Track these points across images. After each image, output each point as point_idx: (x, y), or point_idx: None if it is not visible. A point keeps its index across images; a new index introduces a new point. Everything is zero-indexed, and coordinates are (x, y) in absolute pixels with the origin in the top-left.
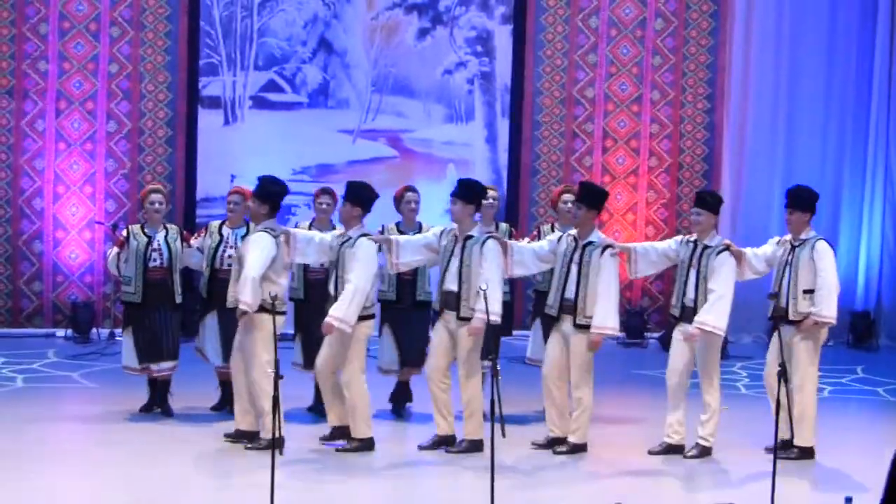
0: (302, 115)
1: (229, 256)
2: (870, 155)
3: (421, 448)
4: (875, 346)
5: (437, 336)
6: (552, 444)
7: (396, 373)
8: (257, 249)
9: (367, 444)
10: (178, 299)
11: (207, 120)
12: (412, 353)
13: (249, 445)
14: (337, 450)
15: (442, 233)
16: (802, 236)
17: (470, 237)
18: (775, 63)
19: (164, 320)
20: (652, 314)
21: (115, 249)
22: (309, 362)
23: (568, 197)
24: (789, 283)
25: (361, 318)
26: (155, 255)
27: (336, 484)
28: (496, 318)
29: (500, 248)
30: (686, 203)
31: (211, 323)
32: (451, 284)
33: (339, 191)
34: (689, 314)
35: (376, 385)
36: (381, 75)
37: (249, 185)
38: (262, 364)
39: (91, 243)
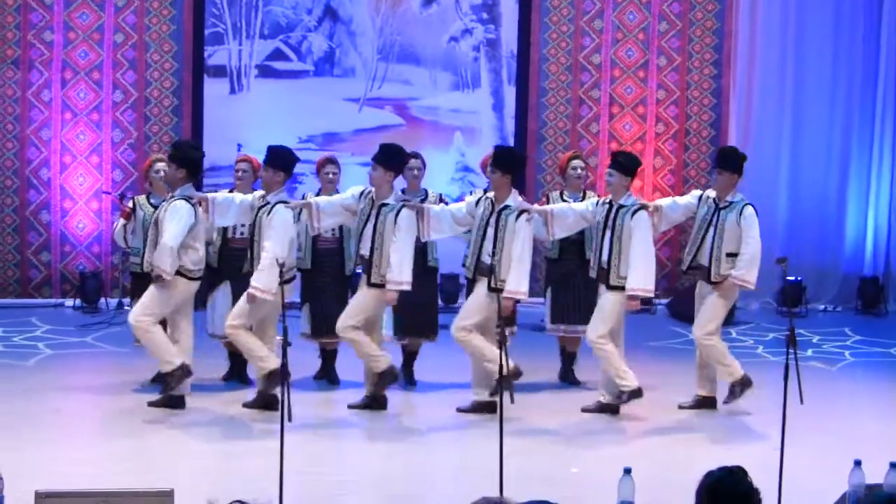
0: (308, 84)
1: (242, 226)
2: (878, 119)
3: (351, 406)
4: (884, 312)
5: (355, 297)
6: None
7: (395, 341)
8: (175, 219)
9: (271, 402)
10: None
11: (213, 89)
12: (417, 321)
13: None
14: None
15: (361, 194)
16: (729, 198)
17: (385, 205)
18: (782, 28)
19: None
20: (660, 280)
21: (122, 221)
22: (316, 331)
23: (577, 163)
24: (712, 244)
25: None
26: None
27: (346, 448)
28: (522, 296)
29: (413, 216)
30: (693, 169)
31: (224, 291)
32: (364, 249)
33: (344, 160)
34: (602, 276)
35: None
36: (387, 43)
37: (256, 154)
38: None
39: (98, 213)
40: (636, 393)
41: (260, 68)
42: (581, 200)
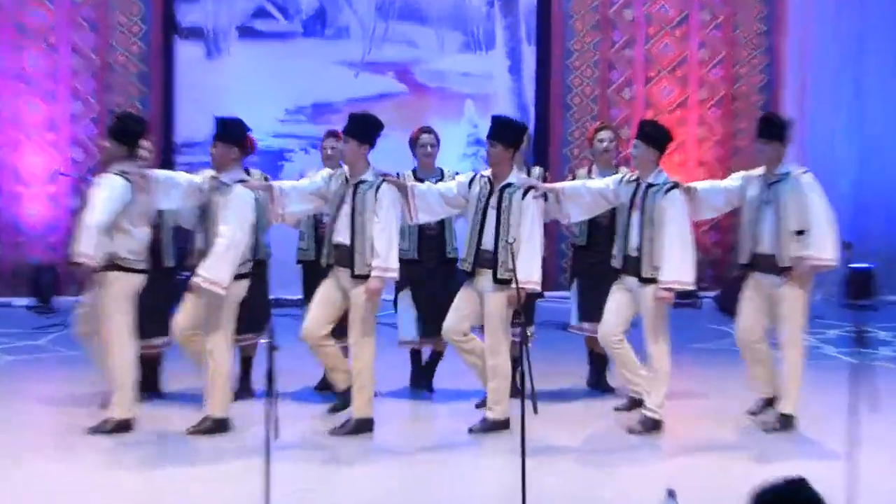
0: (296, 47)
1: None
2: None
3: (333, 433)
4: None
5: (326, 292)
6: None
7: (417, 344)
8: (104, 194)
9: (222, 426)
10: (171, 263)
11: (187, 54)
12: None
13: (92, 427)
14: (189, 431)
15: (332, 176)
16: (779, 170)
17: (362, 182)
18: None
19: (150, 288)
20: (706, 269)
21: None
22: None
23: (605, 135)
24: (774, 225)
25: (235, 277)
26: None
27: (340, 471)
28: (535, 285)
29: (396, 192)
30: (742, 139)
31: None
32: (342, 236)
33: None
34: (632, 265)
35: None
36: None
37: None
38: (117, 328)
39: (54, 198)
40: (656, 425)
41: (241, 29)
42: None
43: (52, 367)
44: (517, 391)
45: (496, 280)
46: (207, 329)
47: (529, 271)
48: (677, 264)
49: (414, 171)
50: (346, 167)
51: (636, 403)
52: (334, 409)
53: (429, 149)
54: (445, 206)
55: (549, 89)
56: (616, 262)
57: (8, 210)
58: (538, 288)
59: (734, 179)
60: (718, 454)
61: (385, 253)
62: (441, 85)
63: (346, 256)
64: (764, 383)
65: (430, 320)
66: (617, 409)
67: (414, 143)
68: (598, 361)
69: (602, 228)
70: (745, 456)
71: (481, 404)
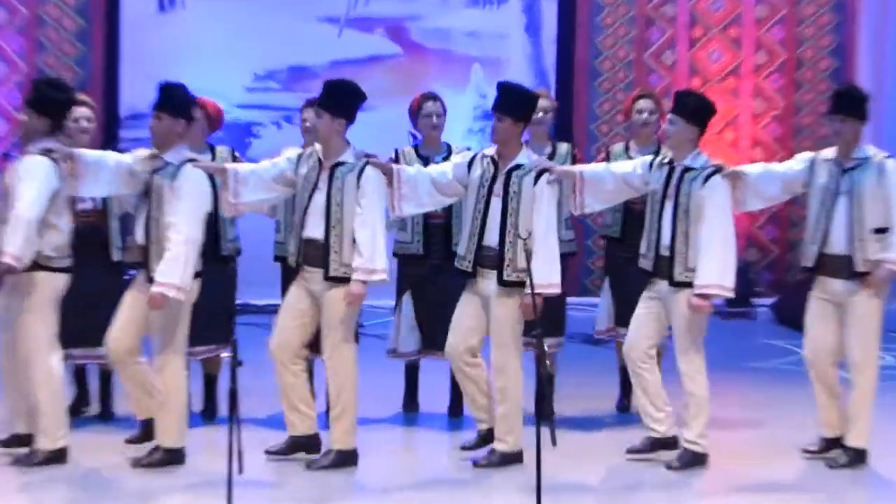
0: None
1: None
2: None
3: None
4: None
5: (293, 300)
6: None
7: (415, 357)
8: (35, 180)
9: (177, 457)
10: (117, 256)
11: (135, 7)
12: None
13: (21, 460)
14: (135, 463)
15: (300, 157)
16: (856, 154)
17: (340, 164)
18: None
19: (95, 285)
20: (762, 272)
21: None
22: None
23: (644, 104)
24: (848, 221)
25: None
26: None
27: None
28: (556, 289)
29: (382, 178)
30: (808, 114)
31: None
32: (315, 230)
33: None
34: (663, 267)
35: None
36: None
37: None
38: (40, 340)
39: None
40: (698, 459)
41: None
42: (656, 154)
43: None
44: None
45: (501, 282)
46: (157, 343)
47: (548, 273)
48: (717, 266)
49: (416, 148)
50: (318, 146)
51: (657, 445)
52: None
53: (434, 119)
54: (436, 195)
55: (574, 52)
56: (645, 263)
57: None
58: (559, 291)
59: (797, 162)
60: (772, 496)
61: (370, 251)
62: (443, 46)
63: (318, 255)
64: (828, 418)
65: (434, 328)
66: (630, 451)
67: (416, 113)
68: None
69: (639, 216)
70: (806, 498)
71: (474, 445)
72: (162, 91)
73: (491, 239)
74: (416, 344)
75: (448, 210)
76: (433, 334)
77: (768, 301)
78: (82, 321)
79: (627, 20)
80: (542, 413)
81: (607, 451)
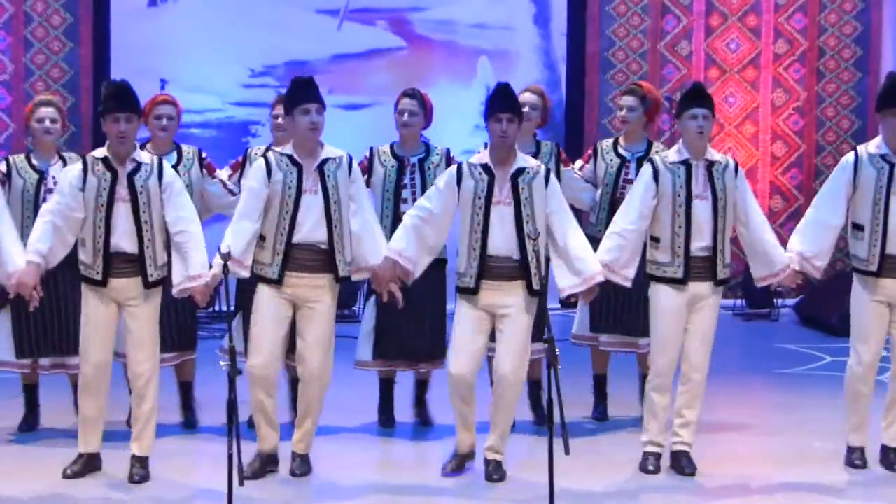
0: None
1: None
2: None
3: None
4: None
5: (273, 312)
6: None
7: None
8: None
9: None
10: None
11: (124, 0)
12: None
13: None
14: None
15: (269, 169)
16: None
17: (328, 161)
18: None
19: (65, 293)
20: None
21: None
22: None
23: (624, 101)
24: None
25: (157, 281)
26: (50, 197)
27: None
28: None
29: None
30: (831, 106)
31: None
32: (314, 234)
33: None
34: (705, 267)
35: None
36: None
37: (189, 93)
38: None
39: None
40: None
41: None
42: (643, 154)
43: None
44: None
45: (532, 292)
46: (137, 347)
47: (594, 258)
48: (595, 259)
49: (392, 147)
50: (287, 146)
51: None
52: None
53: (405, 116)
54: (440, 234)
55: (585, 43)
56: (675, 271)
57: None
58: (604, 276)
59: (840, 176)
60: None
61: (382, 239)
62: (448, 38)
63: (322, 259)
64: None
65: (396, 337)
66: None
67: (395, 109)
68: (605, 386)
69: None
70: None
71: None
72: (124, 91)
73: (499, 249)
74: (371, 353)
75: None
76: (396, 343)
77: (791, 302)
78: (48, 329)
79: (641, 9)
80: (552, 420)
81: (619, 459)
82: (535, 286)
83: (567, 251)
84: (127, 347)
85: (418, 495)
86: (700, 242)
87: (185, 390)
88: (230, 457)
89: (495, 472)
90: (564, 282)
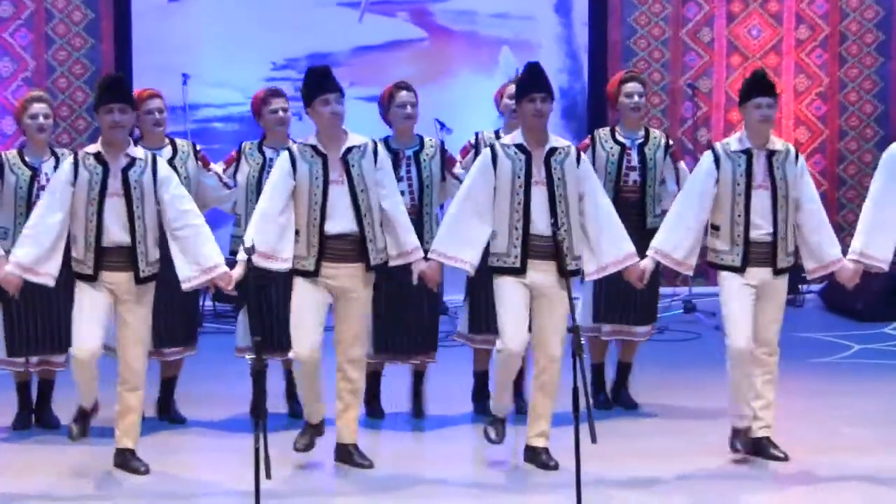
0: None
1: None
2: None
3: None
4: None
5: (313, 302)
6: None
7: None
8: None
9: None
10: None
11: None
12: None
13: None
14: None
15: (292, 160)
16: None
17: (353, 149)
18: None
19: (56, 292)
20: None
21: None
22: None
23: (634, 87)
24: None
25: (149, 277)
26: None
27: None
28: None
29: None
30: (853, 91)
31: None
32: (345, 224)
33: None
34: (763, 256)
35: None
36: None
37: (214, 88)
38: None
39: None
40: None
41: None
42: (643, 141)
43: None
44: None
45: (563, 272)
46: (134, 343)
47: (629, 243)
48: (627, 244)
49: (387, 140)
50: (311, 137)
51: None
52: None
53: (409, 109)
54: (486, 221)
55: (607, 32)
56: (733, 259)
57: None
58: (637, 258)
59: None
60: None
61: (412, 230)
62: (469, 28)
63: (354, 249)
64: None
65: (394, 330)
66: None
67: (387, 103)
68: (603, 375)
69: (629, 205)
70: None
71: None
72: (119, 83)
73: (541, 229)
74: (372, 348)
75: (419, 205)
76: (394, 338)
77: (816, 288)
78: (45, 328)
79: None
80: (578, 408)
81: (638, 445)
82: (568, 265)
83: (600, 232)
84: (121, 343)
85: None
86: (759, 231)
87: (171, 386)
88: (257, 451)
89: (549, 458)
90: (603, 260)
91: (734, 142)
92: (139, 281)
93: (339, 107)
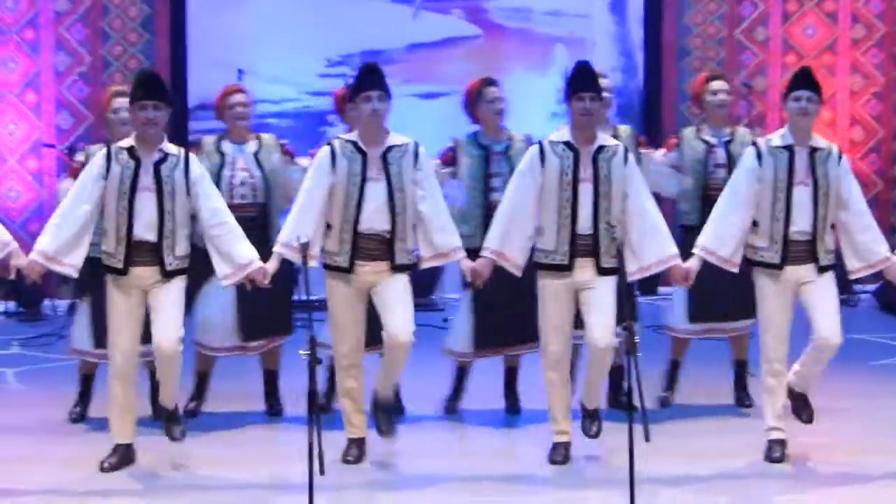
0: None
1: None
2: None
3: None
4: None
5: (351, 301)
6: None
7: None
8: None
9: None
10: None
11: None
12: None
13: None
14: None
15: (333, 155)
16: None
17: (392, 148)
18: None
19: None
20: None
21: (70, 183)
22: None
23: (720, 85)
24: None
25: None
26: None
27: None
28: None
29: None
30: None
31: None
32: (377, 223)
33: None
34: (803, 253)
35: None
36: None
37: (266, 83)
38: None
39: (38, 176)
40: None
41: None
42: (730, 139)
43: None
44: (620, 411)
45: (601, 270)
46: (165, 324)
47: (672, 244)
48: (670, 244)
49: (475, 136)
50: (352, 133)
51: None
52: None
53: (498, 105)
54: (534, 218)
55: (661, 30)
56: (772, 256)
57: None
58: (680, 258)
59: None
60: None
61: (454, 228)
62: (524, 26)
63: (382, 248)
64: None
65: (493, 327)
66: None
67: (475, 99)
68: (740, 370)
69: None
70: None
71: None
72: (154, 79)
73: (584, 227)
74: (471, 344)
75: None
76: (492, 334)
77: (870, 287)
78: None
79: None
80: (632, 407)
81: (694, 445)
82: (603, 264)
83: (644, 232)
84: (154, 327)
85: (502, 483)
86: (799, 228)
87: (271, 379)
88: (310, 446)
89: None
90: (646, 260)
91: (776, 138)
92: (165, 274)
93: (381, 105)
